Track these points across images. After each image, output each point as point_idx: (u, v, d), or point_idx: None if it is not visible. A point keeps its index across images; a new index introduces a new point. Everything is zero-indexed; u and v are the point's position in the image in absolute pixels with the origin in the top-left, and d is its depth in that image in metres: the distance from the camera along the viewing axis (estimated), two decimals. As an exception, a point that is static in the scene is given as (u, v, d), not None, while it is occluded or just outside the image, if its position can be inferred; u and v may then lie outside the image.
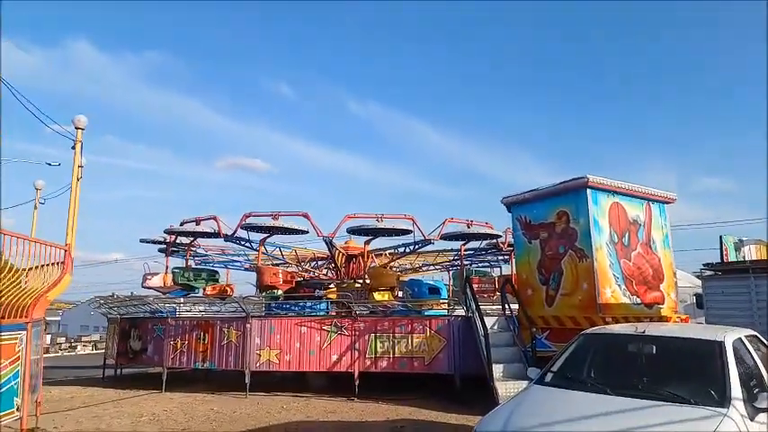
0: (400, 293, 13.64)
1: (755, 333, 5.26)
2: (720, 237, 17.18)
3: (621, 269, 9.84)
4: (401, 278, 18.07)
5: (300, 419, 8.85)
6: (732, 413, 3.67)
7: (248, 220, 13.78)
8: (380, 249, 17.69)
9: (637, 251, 10.21)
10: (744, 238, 18.92)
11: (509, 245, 15.57)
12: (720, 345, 4.32)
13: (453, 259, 17.63)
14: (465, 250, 16.72)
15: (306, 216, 13.35)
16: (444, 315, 11.35)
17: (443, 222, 14.25)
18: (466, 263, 19.65)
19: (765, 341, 5.32)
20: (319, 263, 19.39)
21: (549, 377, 4.81)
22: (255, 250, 14.84)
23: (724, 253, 16.19)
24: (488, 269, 19.84)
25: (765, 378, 4.46)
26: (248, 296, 13.54)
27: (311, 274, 18.82)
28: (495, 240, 15.69)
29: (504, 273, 18.30)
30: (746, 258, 11.33)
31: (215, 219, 14.47)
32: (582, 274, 9.63)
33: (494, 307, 13.26)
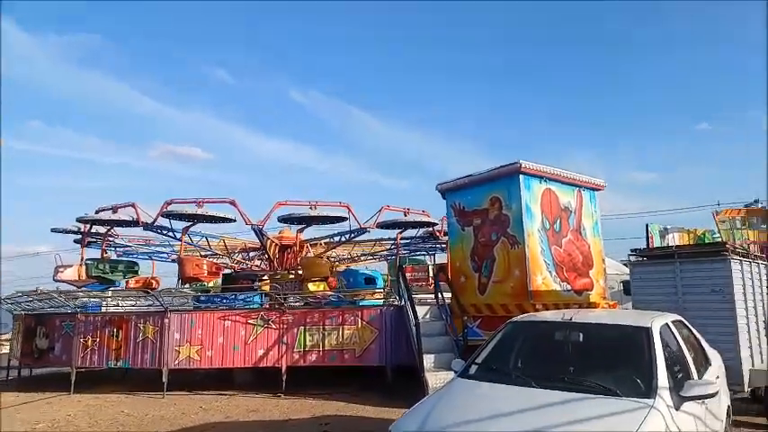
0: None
1: (681, 318, 5.17)
2: (647, 225, 17.83)
3: (553, 256, 9.78)
4: (337, 268, 17.62)
5: (219, 420, 8.22)
6: (658, 404, 3.45)
7: (170, 208, 12.83)
8: (316, 239, 17.12)
9: (568, 238, 10.20)
10: (668, 226, 19.75)
11: (445, 233, 15.41)
12: (648, 331, 4.12)
13: (390, 248, 17.33)
14: (402, 239, 16.43)
15: (233, 203, 12.58)
16: (380, 305, 10.98)
17: (380, 210, 13.87)
18: (404, 251, 19.41)
19: (690, 326, 5.23)
20: (251, 254, 18.56)
21: (473, 369, 4.49)
22: (178, 240, 13.89)
23: (650, 240, 16.82)
24: (425, 257, 19.71)
25: (690, 365, 4.32)
26: (169, 288, 12.65)
27: (243, 266, 18.00)
28: (431, 228, 15.48)
29: (440, 261, 18.19)
30: (671, 245, 11.63)
31: (134, 206, 13.40)
32: (514, 260, 9.49)
33: (430, 296, 13.04)
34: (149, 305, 11.46)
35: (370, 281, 13.72)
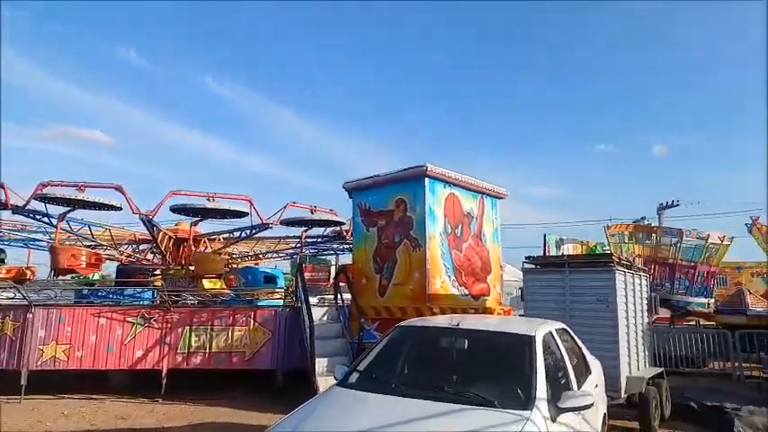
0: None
1: (565, 326, 5.18)
2: (544, 235, 18.60)
3: (453, 260, 9.78)
4: (238, 265, 16.75)
5: (80, 429, 7.32)
6: (535, 416, 3.30)
7: (45, 190, 11.42)
8: (216, 233, 16.13)
9: (468, 243, 10.26)
10: (564, 238, 20.77)
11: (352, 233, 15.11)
12: (530, 340, 4.01)
13: (294, 246, 16.72)
14: (308, 238, 15.89)
15: (119, 189, 11.41)
16: (279, 305, 10.42)
17: (285, 206, 13.24)
18: (310, 250, 18.86)
19: (573, 334, 5.26)
20: (141, 246, 17.14)
21: (353, 377, 4.17)
22: (54, 226, 12.44)
23: (547, 249, 17.56)
24: (330, 258, 19.28)
25: (571, 374, 4.28)
26: (39, 280, 11.28)
27: (133, 259, 16.60)
28: (339, 228, 15.09)
29: (349, 262, 17.84)
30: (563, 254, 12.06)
31: (2, 186, 11.80)
32: (415, 263, 9.36)
33: (331, 297, 12.66)
34: (11, 298, 10.11)
35: (270, 280, 13.13)
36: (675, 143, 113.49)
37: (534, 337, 4.03)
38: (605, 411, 5.33)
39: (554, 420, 3.45)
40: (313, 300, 11.09)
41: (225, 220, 14.35)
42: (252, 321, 9.75)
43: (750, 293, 16.44)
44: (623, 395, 7.10)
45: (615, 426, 7.43)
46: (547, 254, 16.06)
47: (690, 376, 11.90)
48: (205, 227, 16.12)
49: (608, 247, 18.64)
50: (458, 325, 4.36)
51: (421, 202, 9.45)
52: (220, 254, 14.68)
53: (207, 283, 13.10)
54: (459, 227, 10.15)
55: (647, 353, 8.50)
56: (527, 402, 3.42)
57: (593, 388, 4.83)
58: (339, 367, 4.50)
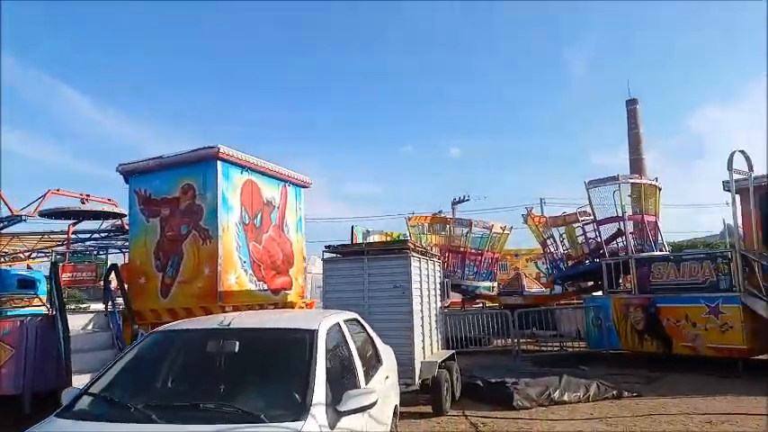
0: None
1: (356, 316, 4.79)
2: (352, 226, 18.79)
3: (250, 253, 8.94)
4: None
5: None
6: (309, 427, 2.75)
7: None
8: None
9: (268, 234, 9.52)
10: (370, 229, 21.22)
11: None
12: (312, 335, 3.46)
13: (60, 243, 14.07)
14: (80, 232, 13.47)
15: None
16: (23, 315, 8.35)
17: (44, 195, 10.90)
18: (89, 246, 16.14)
19: (365, 324, 4.90)
20: None
21: (83, 402, 3.16)
22: None
23: (354, 240, 17.67)
24: (106, 255, 16.69)
25: (359, 369, 3.85)
26: None
27: None
28: (119, 220, 13.06)
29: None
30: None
31: None
32: (204, 257, 8.31)
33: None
34: None
35: (28, 284, 10.69)
36: (468, 146, 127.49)
37: (316, 331, 3.50)
38: (397, 402, 5.10)
39: (333, 427, 2.95)
40: (99, 306, 9.30)
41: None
42: (-13, 337, 7.63)
43: (525, 277, 18.79)
44: (417, 381, 7.11)
45: (410, 412, 7.44)
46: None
47: (478, 355, 12.91)
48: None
49: (409, 238, 19.61)
50: (228, 324, 3.63)
51: (212, 187, 8.42)
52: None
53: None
54: (259, 216, 9.35)
55: (440, 336, 8.77)
56: (300, 411, 2.85)
57: (384, 380, 4.52)
58: (68, 390, 3.42)
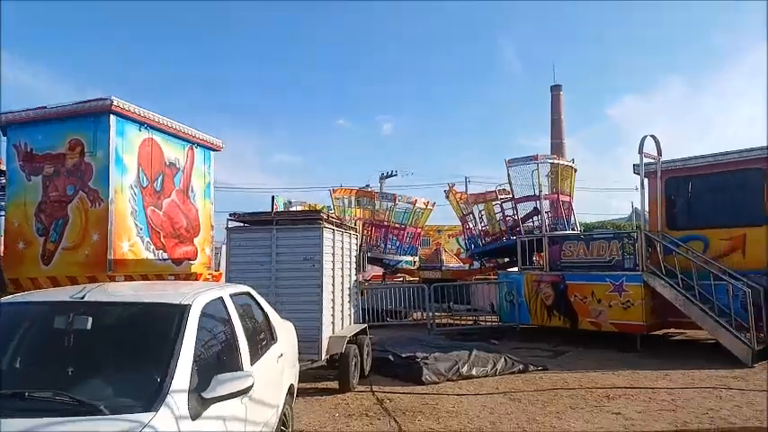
0: None
1: (248, 289, 4.35)
2: (273, 196, 18.04)
3: (148, 218, 8.19)
4: None
5: None
6: (160, 419, 2.32)
7: None
8: None
9: (170, 199, 8.76)
10: (293, 200, 20.57)
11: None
12: (182, 311, 2.99)
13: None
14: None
15: None
16: None
17: None
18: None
19: (259, 299, 4.47)
20: None
21: None
22: None
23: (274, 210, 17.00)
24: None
25: (242, 349, 3.42)
26: None
27: None
28: None
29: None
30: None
31: None
32: (93, 222, 7.49)
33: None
34: None
35: None
36: (400, 123, 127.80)
37: (188, 307, 3.03)
38: (294, 382, 4.75)
39: (196, 417, 2.54)
40: None
41: None
42: None
43: (445, 252, 19.00)
44: (324, 357, 6.80)
45: (317, 388, 7.15)
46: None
47: (396, 328, 12.86)
48: None
49: (333, 211, 19.18)
50: (83, 297, 3.08)
51: (104, 144, 7.55)
52: None
53: None
54: (160, 179, 8.56)
55: (353, 310, 8.50)
56: (152, 400, 2.41)
57: (277, 359, 4.14)
58: None
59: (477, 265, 16.44)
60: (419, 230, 18.28)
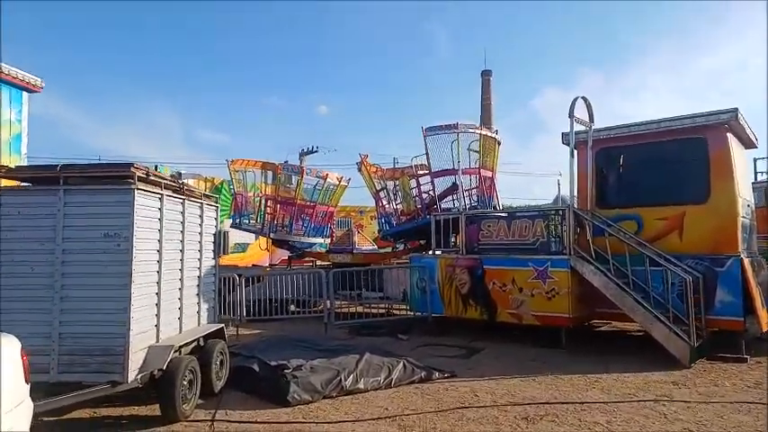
0: None
1: None
2: (155, 165, 15.47)
3: None
4: None
5: None
6: None
7: None
8: None
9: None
10: (184, 171, 17.92)
11: None
12: None
13: None
14: None
15: None
16: None
17: None
18: None
19: None
20: None
21: None
22: None
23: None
24: None
25: None
26: None
27: None
28: None
29: None
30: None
31: None
32: None
33: None
34: None
35: None
36: (335, 104, 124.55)
37: None
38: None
39: None
40: None
41: None
42: None
43: (359, 233, 17.07)
44: (135, 377, 4.68)
45: (135, 415, 5.07)
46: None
47: (298, 322, 10.95)
48: None
49: (233, 185, 16.75)
50: None
51: None
52: None
53: None
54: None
55: (206, 306, 6.41)
56: None
57: None
58: None
59: (400, 247, 14.67)
60: (331, 209, 16.26)
